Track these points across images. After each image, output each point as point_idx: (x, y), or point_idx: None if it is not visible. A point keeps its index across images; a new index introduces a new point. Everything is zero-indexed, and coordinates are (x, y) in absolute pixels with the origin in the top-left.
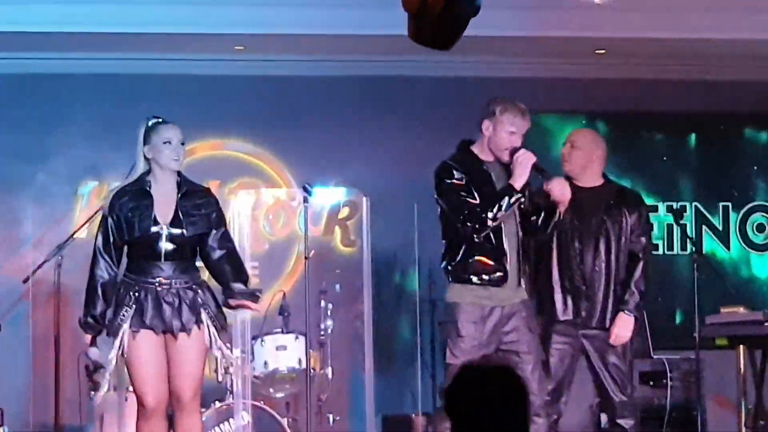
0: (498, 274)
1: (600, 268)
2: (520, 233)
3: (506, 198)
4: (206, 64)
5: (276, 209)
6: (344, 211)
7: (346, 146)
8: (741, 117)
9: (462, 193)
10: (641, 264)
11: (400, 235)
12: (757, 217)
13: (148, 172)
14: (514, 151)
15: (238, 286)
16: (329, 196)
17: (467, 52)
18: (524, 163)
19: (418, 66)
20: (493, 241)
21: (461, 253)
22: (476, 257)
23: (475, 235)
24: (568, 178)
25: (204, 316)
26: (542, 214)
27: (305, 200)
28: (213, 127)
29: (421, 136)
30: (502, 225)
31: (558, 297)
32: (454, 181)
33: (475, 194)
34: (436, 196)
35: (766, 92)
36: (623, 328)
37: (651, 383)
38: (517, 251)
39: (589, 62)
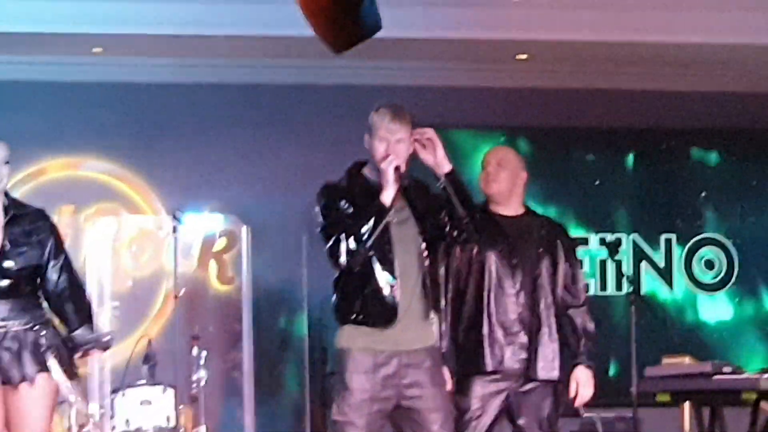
0: (384, 313)
1: (539, 311)
2: (425, 262)
3: (372, 219)
4: (58, 69)
5: (141, 240)
6: (221, 243)
7: (222, 165)
8: (687, 134)
9: (346, 221)
10: (586, 307)
11: (286, 271)
12: (706, 252)
13: None
14: None
15: (81, 333)
16: (203, 224)
17: (366, 57)
18: (385, 170)
19: (308, 72)
20: (377, 274)
21: (345, 288)
22: (357, 293)
23: (346, 267)
24: (486, 206)
25: (51, 361)
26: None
27: (174, 229)
28: (66, 142)
29: (312, 154)
30: (393, 253)
31: (486, 344)
32: (338, 208)
33: (358, 218)
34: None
35: (717, 105)
36: (586, 384)
37: None
38: (420, 283)
39: (509, 69)
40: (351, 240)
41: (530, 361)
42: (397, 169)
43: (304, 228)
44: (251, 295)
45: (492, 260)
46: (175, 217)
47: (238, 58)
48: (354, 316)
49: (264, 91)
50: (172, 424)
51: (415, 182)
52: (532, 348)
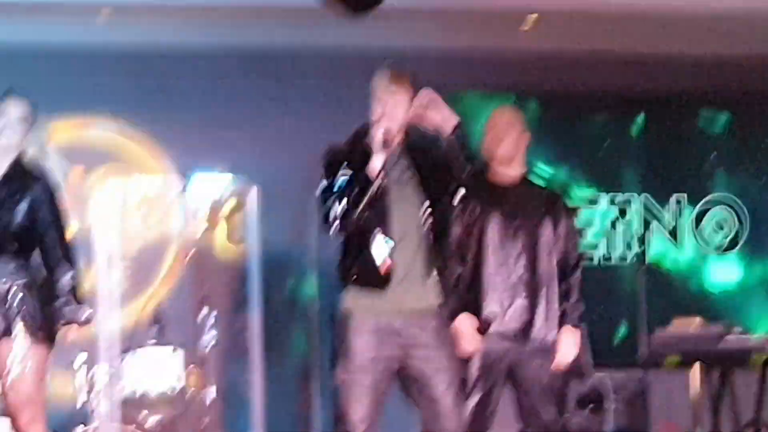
0: (379, 276)
1: (540, 272)
2: (428, 222)
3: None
4: (66, 32)
5: (149, 201)
6: (230, 203)
7: (232, 128)
8: (696, 95)
9: (339, 186)
10: (579, 272)
11: (295, 233)
12: (717, 213)
13: None
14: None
15: (62, 304)
16: (212, 185)
17: (374, 21)
18: (374, 135)
19: (316, 36)
20: (374, 237)
21: (345, 251)
22: (360, 256)
23: (336, 233)
24: (487, 169)
25: (18, 327)
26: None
27: (184, 189)
28: (75, 105)
29: (320, 116)
30: (391, 216)
31: (491, 306)
32: (335, 172)
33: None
34: None
35: (725, 67)
36: (569, 343)
37: (590, 407)
38: (422, 244)
39: (518, 32)
40: (339, 206)
41: (531, 323)
42: (388, 132)
43: (312, 188)
44: (260, 257)
45: (493, 222)
46: (183, 178)
47: (246, 21)
48: (354, 278)
49: (272, 54)
50: (182, 384)
51: (421, 138)
52: (532, 310)
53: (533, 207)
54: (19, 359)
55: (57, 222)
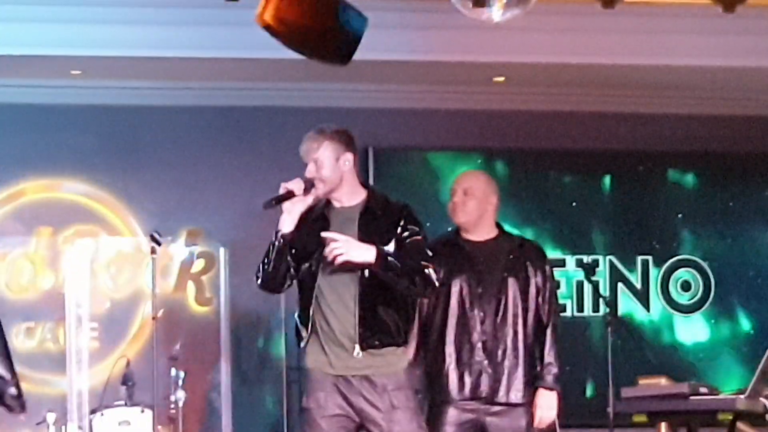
0: (301, 339)
1: (504, 336)
2: (359, 291)
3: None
4: (36, 91)
5: (119, 262)
6: (198, 264)
7: (199, 187)
8: (664, 156)
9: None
10: (551, 330)
11: (263, 293)
12: (682, 274)
13: None
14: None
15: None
16: (181, 246)
17: (345, 79)
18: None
19: (282, 95)
20: (304, 301)
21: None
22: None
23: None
24: (456, 232)
25: None
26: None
27: (153, 251)
28: (45, 164)
29: (288, 176)
30: (318, 280)
31: (452, 372)
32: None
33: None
34: None
35: (693, 127)
36: (547, 406)
37: None
38: (357, 308)
39: (486, 91)
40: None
41: (497, 387)
42: (290, 192)
43: None
44: (229, 317)
45: (457, 288)
46: (152, 239)
47: (216, 80)
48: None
49: (241, 113)
50: None
51: (378, 203)
52: (498, 373)
53: (500, 265)
54: None
55: None
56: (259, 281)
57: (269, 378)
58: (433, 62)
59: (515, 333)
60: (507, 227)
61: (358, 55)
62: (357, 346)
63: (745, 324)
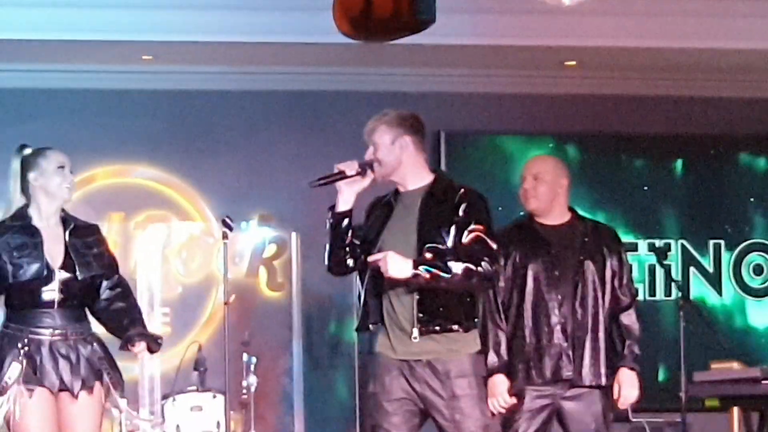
0: (368, 321)
1: (583, 319)
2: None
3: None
4: (108, 77)
5: (190, 247)
6: (270, 249)
7: (271, 172)
8: (736, 140)
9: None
10: (632, 309)
11: (335, 278)
12: (754, 257)
13: (27, 205)
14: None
15: (137, 329)
16: (253, 231)
17: (414, 64)
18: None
19: (354, 79)
20: (369, 286)
21: (363, 296)
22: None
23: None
24: (530, 217)
25: (104, 372)
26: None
27: (225, 236)
28: (116, 150)
29: (360, 160)
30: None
31: (534, 357)
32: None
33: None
34: None
35: (765, 111)
36: (630, 386)
37: None
38: (416, 292)
39: (558, 75)
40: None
41: (575, 370)
42: (341, 172)
43: None
44: (301, 302)
45: (533, 272)
46: (224, 224)
47: (286, 65)
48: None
49: (312, 97)
50: (223, 430)
51: (442, 187)
52: (576, 356)
53: (576, 249)
54: (103, 408)
55: (118, 270)
56: (326, 264)
57: (341, 363)
58: (504, 46)
59: (594, 316)
60: (579, 211)
61: (429, 40)
62: (416, 330)
63: None
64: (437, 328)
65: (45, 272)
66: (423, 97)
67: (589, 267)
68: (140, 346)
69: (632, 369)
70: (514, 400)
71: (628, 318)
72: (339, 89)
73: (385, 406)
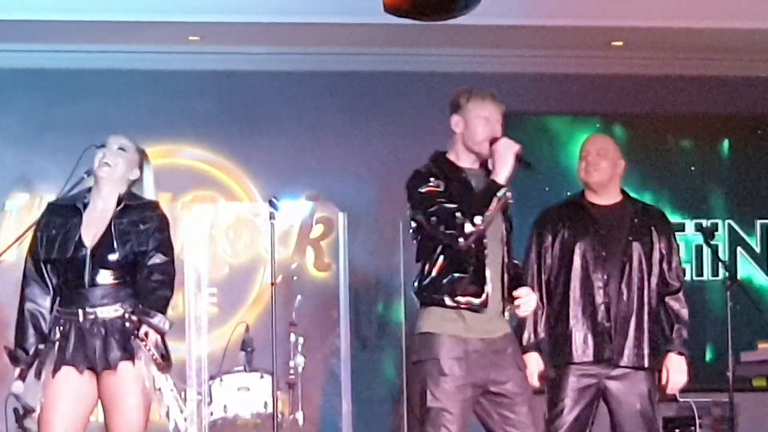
0: (478, 298)
1: (628, 300)
2: (506, 256)
3: (492, 197)
4: (155, 57)
5: (237, 227)
6: (317, 229)
7: (317, 152)
8: None
9: (439, 200)
10: (681, 294)
11: (382, 258)
12: None
13: (91, 188)
14: (493, 141)
15: (150, 312)
16: (300, 211)
17: (461, 44)
18: (504, 152)
19: (402, 60)
20: (473, 260)
21: (436, 269)
22: (454, 274)
23: (455, 244)
24: (581, 196)
25: (140, 350)
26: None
27: (272, 216)
28: (163, 130)
29: (407, 141)
30: (485, 243)
31: (578, 335)
32: (430, 187)
33: (454, 202)
34: (409, 210)
35: None
36: (678, 371)
37: (677, 431)
38: (501, 275)
39: (605, 56)
40: (473, 219)
41: (621, 350)
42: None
43: (400, 214)
44: (348, 282)
45: (581, 250)
46: (271, 204)
47: (335, 46)
48: (441, 297)
49: (360, 78)
50: (270, 410)
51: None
52: (623, 336)
53: (624, 229)
54: (143, 387)
55: (165, 250)
56: (475, 231)
57: (388, 344)
58: (551, 27)
59: (640, 297)
60: (630, 192)
61: (476, 20)
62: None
63: None
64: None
65: (74, 252)
66: (469, 77)
67: (637, 248)
68: (143, 330)
69: (681, 354)
70: (537, 384)
71: (677, 302)
72: (386, 69)
73: (452, 386)
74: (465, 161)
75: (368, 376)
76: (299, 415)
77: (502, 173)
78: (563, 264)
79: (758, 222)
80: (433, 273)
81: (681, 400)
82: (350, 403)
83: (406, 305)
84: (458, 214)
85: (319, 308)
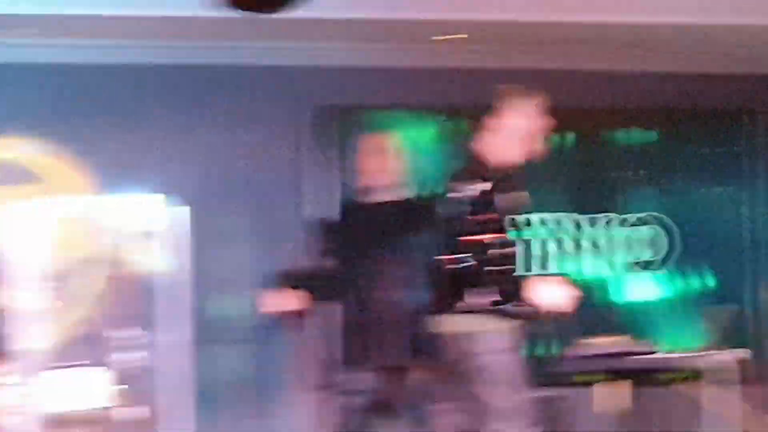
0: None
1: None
2: None
3: None
4: None
5: (77, 221)
6: (161, 223)
7: (160, 147)
8: (626, 114)
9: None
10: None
11: (227, 251)
12: (637, 232)
13: None
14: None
15: None
16: (142, 205)
17: (298, 37)
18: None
19: (237, 53)
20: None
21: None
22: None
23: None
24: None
25: None
26: None
27: (110, 211)
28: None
29: (249, 134)
30: None
31: None
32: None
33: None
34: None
35: (656, 84)
36: None
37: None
38: None
39: (429, 49)
40: None
41: None
42: None
43: (243, 206)
44: (190, 276)
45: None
46: (109, 199)
47: (169, 39)
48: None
49: (196, 71)
50: (109, 404)
51: None
52: None
53: (399, 223)
54: None
55: None
56: None
57: (234, 338)
58: (380, 20)
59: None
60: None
61: (307, 14)
62: None
63: (701, 282)
64: None
65: None
66: (307, 70)
67: (410, 239)
68: None
69: None
70: None
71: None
72: (222, 63)
73: None
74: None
75: (211, 370)
76: (139, 409)
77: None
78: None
79: (596, 216)
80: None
81: None
82: (191, 396)
83: (250, 299)
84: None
85: (162, 302)
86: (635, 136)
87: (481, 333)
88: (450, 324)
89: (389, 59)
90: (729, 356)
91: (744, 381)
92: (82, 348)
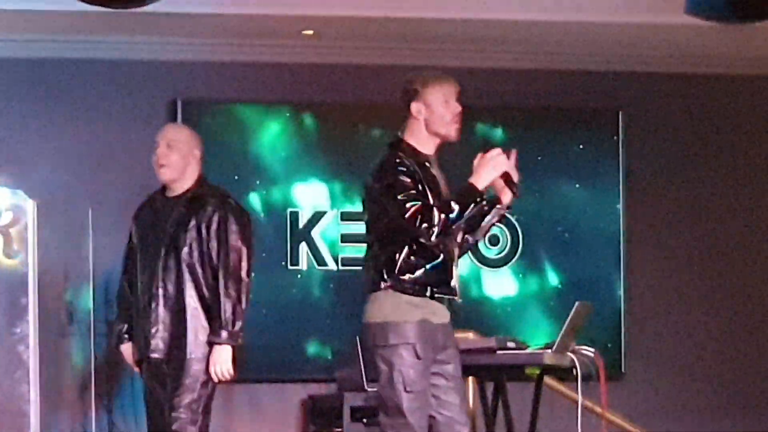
0: (447, 287)
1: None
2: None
3: (472, 200)
4: None
5: None
6: (6, 217)
7: (8, 140)
8: (472, 110)
9: (412, 191)
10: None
11: (72, 245)
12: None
13: None
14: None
15: None
16: None
17: (151, 32)
18: (494, 166)
19: (95, 46)
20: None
21: (403, 257)
22: (426, 265)
23: (426, 238)
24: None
25: None
26: None
27: None
28: None
29: (98, 129)
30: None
31: None
32: (403, 177)
33: (428, 194)
34: (373, 199)
35: (499, 82)
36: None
37: (364, 421)
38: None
39: (295, 44)
40: (441, 215)
41: None
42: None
43: (90, 202)
44: (36, 270)
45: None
46: None
47: (23, 32)
48: (417, 286)
49: (50, 65)
50: None
51: None
52: None
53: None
54: None
55: None
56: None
57: (77, 330)
58: (242, 15)
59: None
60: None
61: (167, 8)
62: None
63: (553, 278)
64: None
65: None
66: (160, 65)
67: (190, 237)
68: None
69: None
70: None
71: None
72: (76, 57)
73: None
74: (426, 147)
75: (56, 364)
76: None
77: (483, 180)
78: None
79: None
80: (400, 261)
81: (369, 390)
82: (38, 390)
83: (94, 292)
84: (435, 211)
85: (6, 295)
86: (482, 131)
87: None
88: None
89: (246, 54)
90: (582, 352)
91: (599, 377)
92: None
